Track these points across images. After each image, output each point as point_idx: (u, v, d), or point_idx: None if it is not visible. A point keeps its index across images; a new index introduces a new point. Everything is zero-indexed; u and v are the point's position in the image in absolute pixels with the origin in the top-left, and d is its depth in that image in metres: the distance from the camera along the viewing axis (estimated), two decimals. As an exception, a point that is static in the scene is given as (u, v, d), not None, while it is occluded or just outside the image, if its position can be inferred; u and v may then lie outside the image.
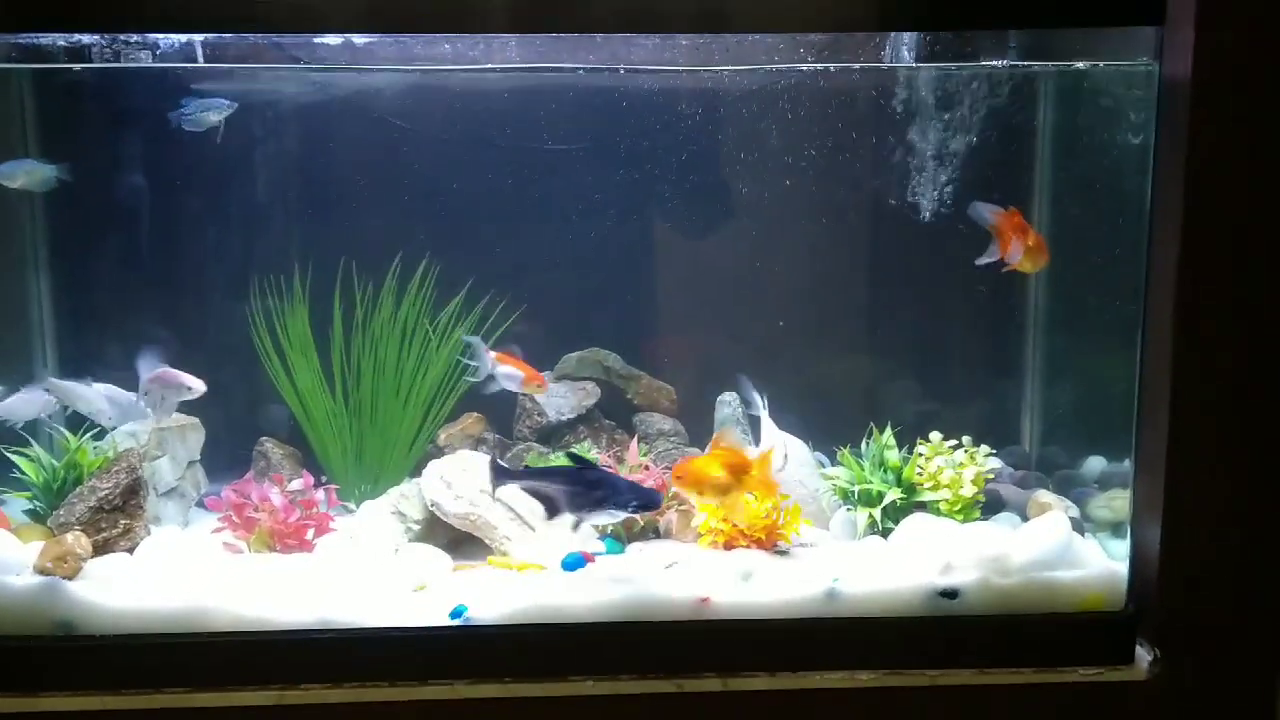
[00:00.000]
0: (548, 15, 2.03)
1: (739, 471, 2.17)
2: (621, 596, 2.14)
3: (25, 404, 2.44)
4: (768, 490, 2.23)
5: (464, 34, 2.24)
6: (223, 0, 2.01)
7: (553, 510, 2.19)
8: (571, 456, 2.35)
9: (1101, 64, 2.34)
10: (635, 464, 2.45)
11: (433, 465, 2.45)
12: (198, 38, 2.29)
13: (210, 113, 2.45)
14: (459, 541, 2.37)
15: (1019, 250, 2.32)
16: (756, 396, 2.54)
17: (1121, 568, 2.17)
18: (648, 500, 2.17)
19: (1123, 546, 2.19)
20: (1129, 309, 2.17)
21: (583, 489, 2.17)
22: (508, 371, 2.50)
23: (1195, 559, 2.09)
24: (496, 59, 2.44)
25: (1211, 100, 1.96)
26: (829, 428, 2.59)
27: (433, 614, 2.12)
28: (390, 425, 2.63)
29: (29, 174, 2.41)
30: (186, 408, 2.52)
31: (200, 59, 2.39)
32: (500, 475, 2.25)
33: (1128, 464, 2.19)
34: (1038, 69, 2.57)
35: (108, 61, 2.34)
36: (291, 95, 2.64)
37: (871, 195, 2.75)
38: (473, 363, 2.55)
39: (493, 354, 2.51)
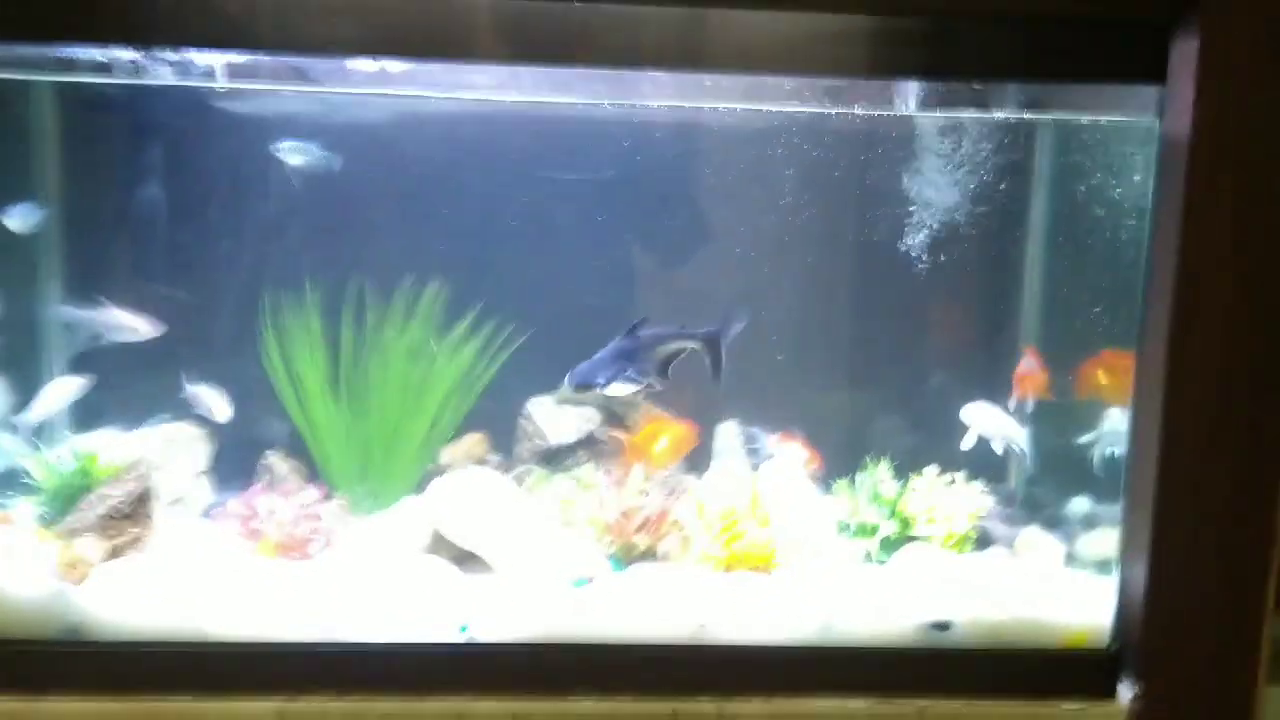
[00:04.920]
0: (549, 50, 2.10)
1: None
2: (621, 618, 2.19)
3: None
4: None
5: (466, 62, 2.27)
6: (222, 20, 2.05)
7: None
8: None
9: (1103, 119, 2.43)
10: (638, 489, 2.50)
11: (435, 483, 2.50)
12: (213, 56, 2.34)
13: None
14: (464, 557, 2.41)
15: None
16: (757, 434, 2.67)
17: (1106, 605, 2.24)
18: None
19: (1108, 584, 2.26)
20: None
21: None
22: (794, 451, 2.70)
23: (1179, 598, 2.16)
24: (509, 88, 2.50)
25: (1209, 158, 2.04)
26: (823, 459, 2.66)
27: (439, 629, 2.17)
28: (395, 442, 2.67)
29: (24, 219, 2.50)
30: (195, 420, 2.60)
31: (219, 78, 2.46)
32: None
33: (1112, 504, 2.26)
34: (1037, 120, 2.66)
35: (129, 75, 2.39)
36: (310, 116, 2.69)
37: (871, 234, 2.82)
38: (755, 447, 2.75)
39: (774, 436, 2.72)
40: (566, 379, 2.40)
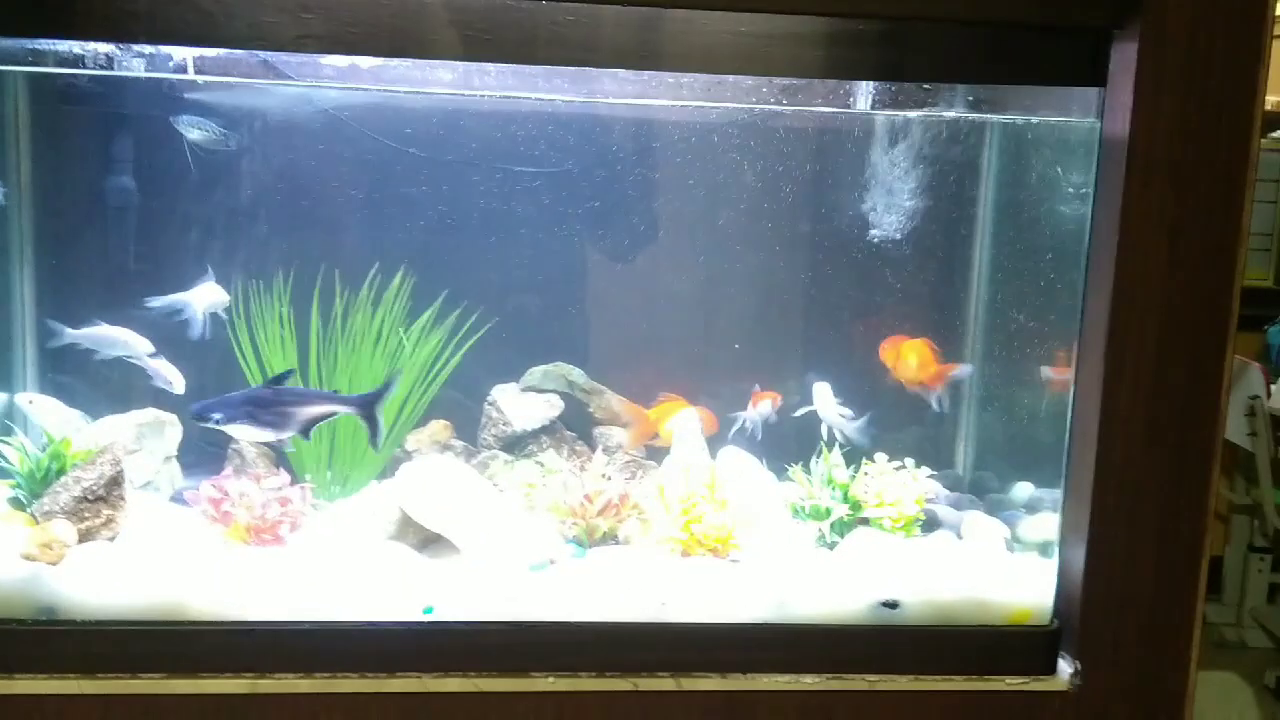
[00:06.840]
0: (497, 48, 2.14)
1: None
2: (583, 600, 2.26)
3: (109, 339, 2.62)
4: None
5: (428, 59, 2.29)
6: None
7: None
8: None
9: (1047, 119, 2.52)
10: (600, 474, 2.57)
11: (404, 469, 2.55)
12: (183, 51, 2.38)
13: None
14: (429, 540, 2.47)
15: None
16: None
17: (1048, 586, 2.34)
18: None
19: (1049, 566, 2.35)
20: (1063, 348, 2.35)
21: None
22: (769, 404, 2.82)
23: (1116, 580, 2.26)
24: (474, 85, 2.55)
25: (1147, 160, 2.13)
26: (779, 446, 2.74)
27: (404, 610, 2.23)
28: (361, 429, 2.71)
29: None
30: (165, 404, 2.63)
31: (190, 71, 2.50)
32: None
33: (1054, 490, 2.36)
34: (983, 120, 2.75)
35: (101, 68, 2.43)
36: (278, 110, 2.74)
37: (818, 227, 2.91)
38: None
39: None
40: (191, 408, 2.42)
